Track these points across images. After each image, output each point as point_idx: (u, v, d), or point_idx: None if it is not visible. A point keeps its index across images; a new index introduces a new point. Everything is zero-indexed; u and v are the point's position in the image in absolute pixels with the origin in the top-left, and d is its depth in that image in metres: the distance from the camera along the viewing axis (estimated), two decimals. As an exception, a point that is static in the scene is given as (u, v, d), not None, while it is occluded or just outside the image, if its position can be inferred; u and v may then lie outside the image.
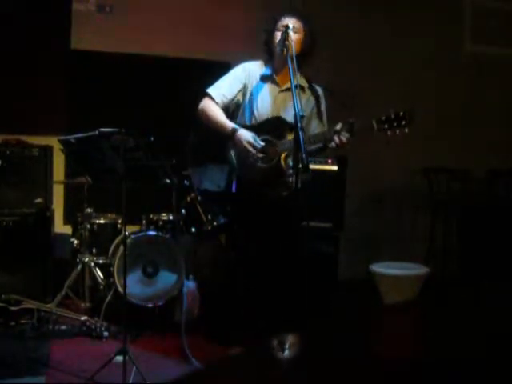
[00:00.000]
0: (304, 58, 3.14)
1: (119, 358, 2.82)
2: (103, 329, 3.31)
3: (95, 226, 4.18)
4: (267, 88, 3.24)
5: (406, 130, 2.81)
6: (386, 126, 2.83)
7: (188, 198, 3.57)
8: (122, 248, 3.44)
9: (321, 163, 4.21)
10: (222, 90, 3.24)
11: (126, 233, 3.21)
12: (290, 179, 3.04)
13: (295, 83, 2.78)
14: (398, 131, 2.82)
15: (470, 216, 5.38)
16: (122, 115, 4.04)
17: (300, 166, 2.61)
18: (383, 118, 2.84)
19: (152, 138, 2.83)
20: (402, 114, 2.82)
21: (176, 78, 4.86)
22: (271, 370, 0.98)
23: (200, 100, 3.26)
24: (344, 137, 2.91)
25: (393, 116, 2.82)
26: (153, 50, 4.86)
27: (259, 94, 3.23)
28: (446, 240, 5.49)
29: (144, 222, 4.14)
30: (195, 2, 5.03)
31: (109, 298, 3.72)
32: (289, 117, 3.05)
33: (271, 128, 3.14)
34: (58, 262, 4.17)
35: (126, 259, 2.99)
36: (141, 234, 3.95)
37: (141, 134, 2.83)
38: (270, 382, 0.95)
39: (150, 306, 3.82)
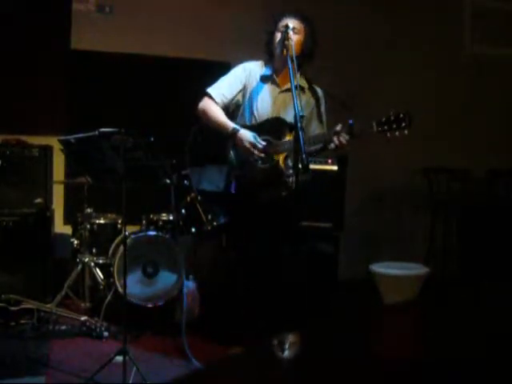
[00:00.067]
0: (304, 59, 3.14)
1: (119, 358, 2.82)
2: (103, 329, 3.31)
3: (95, 226, 4.18)
4: (267, 88, 3.24)
5: (406, 131, 2.81)
6: (386, 127, 2.83)
7: (188, 198, 3.57)
8: (121, 248, 3.44)
9: (321, 163, 4.21)
10: (222, 89, 3.24)
11: (126, 233, 3.21)
12: (290, 179, 3.04)
13: (295, 84, 2.78)
14: (397, 133, 2.82)
15: (470, 216, 5.38)
16: (121, 115, 4.05)
17: (300, 166, 2.61)
18: (383, 119, 2.84)
19: (152, 138, 2.83)
20: (401, 115, 2.81)
21: (176, 78, 4.86)
22: (271, 369, 0.98)
23: (200, 100, 3.26)
24: (344, 138, 2.91)
25: (392, 118, 2.82)
26: (153, 50, 4.86)
27: (259, 94, 3.23)
28: (446, 240, 5.49)
29: (144, 222, 4.15)
30: (195, 2, 5.04)
31: (109, 298, 3.72)
32: (289, 117, 3.05)
33: (271, 128, 3.14)
34: (58, 262, 4.18)
35: (126, 259, 2.99)
36: (141, 234, 3.95)
37: (141, 134, 2.82)
38: (270, 382, 0.95)
39: (150, 306, 3.82)
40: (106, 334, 3.32)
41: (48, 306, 3.71)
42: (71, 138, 2.98)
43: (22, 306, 3.53)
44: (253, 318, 3.19)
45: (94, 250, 4.15)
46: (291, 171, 2.96)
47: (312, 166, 2.80)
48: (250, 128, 3.16)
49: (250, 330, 3.11)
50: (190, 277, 3.90)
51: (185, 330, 3.30)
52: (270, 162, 3.10)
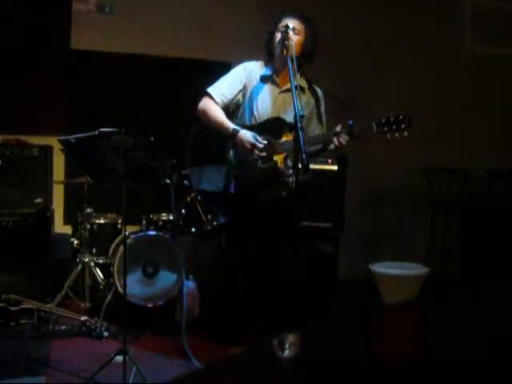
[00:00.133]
0: (304, 59, 3.14)
1: (119, 358, 2.82)
2: (103, 329, 3.31)
3: (95, 226, 4.18)
4: (267, 89, 3.24)
5: (406, 133, 2.81)
6: (386, 128, 2.83)
7: (188, 198, 3.57)
8: (122, 248, 3.44)
9: (321, 163, 4.21)
10: (222, 89, 3.24)
11: (126, 233, 3.21)
12: (290, 179, 3.04)
13: (295, 84, 2.78)
14: (397, 134, 2.82)
15: (470, 216, 5.38)
16: (122, 115, 4.05)
17: (300, 166, 2.61)
18: (383, 120, 2.84)
19: (152, 138, 2.83)
20: (401, 117, 2.82)
21: (176, 78, 4.86)
22: (271, 369, 0.98)
23: (200, 99, 3.26)
24: (343, 139, 2.92)
25: (392, 119, 2.82)
26: (153, 50, 4.86)
27: (259, 94, 3.23)
28: (446, 240, 5.49)
29: (144, 222, 4.15)
30: (195, 2, 5.04)
31: (109, 297, 3.72)
32: (288, 118, 3.05)
33: (271, 128, 3.14)
34: (58, 262, 4.18)
35: (126, 259, 2.99)
36: (141, 234, 3.95)
37: (141, 134, 2.82)
38: (270, 381, 0.95)
39: (150, 306, 3.82)
40: (106, 334, 3.32)
41: (48, 306, 3.71)
42: (71, 138, 2.98)
43: (22, 306, 3.53)
44: (253, 318, 3.19)
45: (93, 250, 4.15)
46: (291, 171, 2.96)
47: (312, 166, 2.79)
48: (250, 128, 3.16)
49: (249, 330, 3.11)
50: (190, 277, 3.90)
51: (185, 330, 3.30)
52: (270, 161, 3.10)
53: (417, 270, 4.45)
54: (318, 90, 3.30)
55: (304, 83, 3.22)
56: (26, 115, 4.52)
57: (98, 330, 3.30)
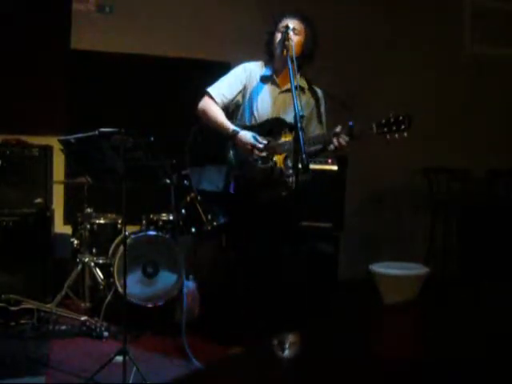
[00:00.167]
0: (305, 60, 3.14)
1: (119, 358, 2.82)
2: (103, 329, 3.31)
3: (95, 226, 4.18)
4: (267, 89, 3.24)
5: (405, 134, 2.81)
6: (386, 129, 2.83)
7: (188, 198, 3.57)
8: (122, 248, 3.44)
9: (321, 163, 4.21)
10: (222, 89, 3.24)
11: (126, 233, 3.21)
12: (290, 179, 3.04)
13: (295, 84, 2.78)
14: (396, 135, 2.82)
15: (470, 216, 5.38)
16: (121, 115, 4.05)
17: (300, 166, 2.61)
18: (383, 121, 2.84)
19: (152, 138, 2.83)
20: (401, 118, 2.81)
21: (176, 78, 4.86)
22: (271, 369, 0.98)
23: (200, 99, 3.26)
24: (343, 140, 2.92)
25: (392, 120, 2.82)
26: (153, 50, 4.86)
27: (259, 94, 3.23)
28: (446, 240, 5.49)
29: (144, 222, 4.14)
30: (195, 2, 5.04)
31: (109, 298, 3.72)
32: (288, 118, 3.05)
33: (271, 129, 3.14)
34: (58, 262, 4.18)
35: (126, 259, 2.99)
36: (141, 234, 3.95)
37: (141, 134, 2.83)
38: (270, 381, 0.95)
39: (150, 306, 3.82)
40: (106, 334, 3.32)
41: (48, 306, 3.71)
42: (71, 138, 2.98)
43: (22, 306, 3.53)
44: (253, 318, 3.19)
45: (94, 250, 4.15)
46: (291, 171, 2.96)
47: (312, 166, 2.80)
48: (250, 128, 3.16)
49: (250, 330, 3.11)
50: (190, 277, 3.90)
51: (185, 330, 3.30)
52: (270, 162, 3.10)
53: (417, 270, 4.45)
54: (318, 91, 3.30)
55: (304, 83, 3.22)
56: (26, 115, 4.52)
57: (98, 329, 3.30)
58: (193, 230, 3.61)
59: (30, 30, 4.56)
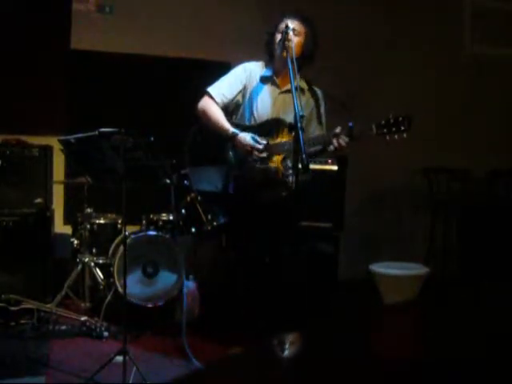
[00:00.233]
0: (305, 60, 3.14)
1: (119, 358, 2.82)
2: (103, 329, 3.31)
3: (95, 226, 4.18)
4: (267, 89, 3.24)
5: (405, 135, 2.80)
6: (385, 130, 2.83)
7: (188, 198, 3.57)
8: (122, 248, 3.44)
9: (321, 163, 4.21)
10: (222, 89, 3.24)
11: (126, 233, 3.21)
12: (290, 179, 3.04)
13: (295, 85, 2.78)
14: (396, 136, 2.81)
15: (470, 216, 5.38)
16: (121, 115, 4.04)
17: (300, 166, 2.60)
18: (382, 122, 2.84)
19: (152, 138, 2.83)
20: (401, 119, 2.81)
21: (176, 78, 4.86)
22: (271, 369, 0.98)
23: (200, 99, 3.26)
24: (343, 140, 2.91)
25: (392, 121, 2.82)
26: (153, 50, 4.86)
27: (259, 95, 3.23)
28: (446, 240, 5.49)
29: (144, 221, 4.14)
30: (195, 2, 5.04)
31: (109, 298, 3.72)
32: (288, 118, 3.04)
33: (271, 129, 3.14)
34: (58, 262, 4.18)
35: (126, 259, 2.99)
36: (141, 234, 3.95)
37: (141, 133, 2.83)
38: (270, 381, 0.95)
39: (150, 306, 3.82)
40: (105, 334, 3.32)
41: (48, 305, 3.71)
42: (71, 138, 2.98)
43: (22, 306, 3.53)
44: (253, 318, 3.19)
45: (94, 250, 4.15)
46: (291, 171, 2.96)
47: (312, 166, 2.80)
48: (250, 128, 3.16)
49: (250, 330, 3.11)
50: (190, 277, 3.90)
51: (185, 330, 3.30)
52: (269, 162, 3.10)
53: (417, 270, 4.45)
54: (318, 91, 3.30)
55: (304, 84, 3.22)
56: (26, 115, 4.51)
57: (98, 329, 3.30)
58: (193, 230, 3.60)
59: (29, 29, 4.56)
